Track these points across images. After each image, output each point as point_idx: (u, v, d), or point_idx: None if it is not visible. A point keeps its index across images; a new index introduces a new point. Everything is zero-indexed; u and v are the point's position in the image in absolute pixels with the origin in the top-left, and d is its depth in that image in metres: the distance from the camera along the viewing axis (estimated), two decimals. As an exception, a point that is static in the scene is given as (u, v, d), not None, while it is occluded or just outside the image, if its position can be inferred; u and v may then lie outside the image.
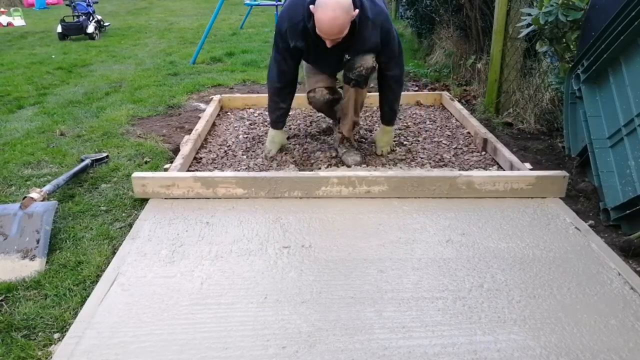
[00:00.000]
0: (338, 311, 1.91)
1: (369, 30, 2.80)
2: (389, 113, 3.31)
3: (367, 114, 4.25)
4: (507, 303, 1.95)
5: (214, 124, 4.08)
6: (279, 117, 3.29)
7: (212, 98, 4.53)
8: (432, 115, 4.23)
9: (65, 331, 1.85)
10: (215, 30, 8.97)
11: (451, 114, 4.23)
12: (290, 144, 3.55)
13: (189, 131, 3.82)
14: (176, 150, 3.50)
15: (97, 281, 2.13)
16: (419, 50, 6.85)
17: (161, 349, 1.74)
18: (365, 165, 3.22)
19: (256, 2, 8.35)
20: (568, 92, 3.18)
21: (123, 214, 2.71)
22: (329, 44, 2.70)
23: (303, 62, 3.23)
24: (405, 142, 3.62)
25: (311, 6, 2.63)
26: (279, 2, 7.45)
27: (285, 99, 3.22)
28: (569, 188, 2.84)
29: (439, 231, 2.46)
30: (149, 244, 2.38)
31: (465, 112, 3.97)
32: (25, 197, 2.51)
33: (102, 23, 9.14)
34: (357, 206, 2.70)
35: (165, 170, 3.02)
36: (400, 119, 4.13)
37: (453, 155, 3.39)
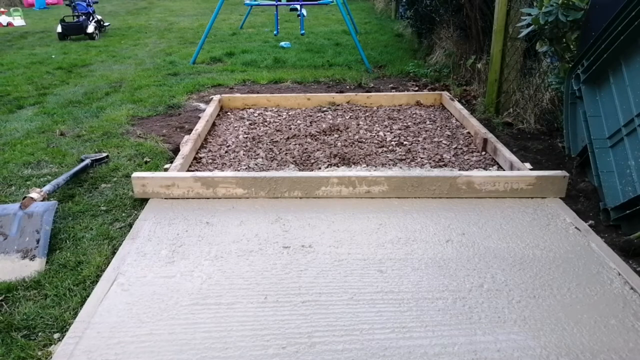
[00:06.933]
0: (338, 311, 1.92)
1: None
2: None
3: (367, 114, 4.25)
4: (507, 303, 1.95)
5: (214, 124, 4.08)
6: None
7: (212, 98, 4.53)
8: (432, 115, 4.23)
9: (65, 331, 1.85)
10: (215, 30, 8.97)
11: (451, 114, 4.23)
12: (290, 143, 3.54)
13: (189, 131, 3.82)
14: (176, 150, 3.50)
15: (97, 281, 2.13)
16: (419, 50, 6.85)
17: (161, 349, 1.74)
18: (365, 166, 3.22)
19: (256, 2, 8.35)
20: (568, 92, 3.18)
21: (123, 214, 2.71)
22: None
23: None
24: (405, 142, 3.62)
25: None
26: (279, 2, 7.46)
27: None
28: (569, 188, 2.84)
29: (439, 231, 2.46)
30: (149, 244, 2.38)
31: (465, 112, 3.97)
32: (25, 197, 2.51)
33: (102, 23, 9.15)
34: (357, 206, 2.70)
35: (165, 170, 3.02)
36: (400, 119, 4.13)
37: (453, 155, 3.39)
